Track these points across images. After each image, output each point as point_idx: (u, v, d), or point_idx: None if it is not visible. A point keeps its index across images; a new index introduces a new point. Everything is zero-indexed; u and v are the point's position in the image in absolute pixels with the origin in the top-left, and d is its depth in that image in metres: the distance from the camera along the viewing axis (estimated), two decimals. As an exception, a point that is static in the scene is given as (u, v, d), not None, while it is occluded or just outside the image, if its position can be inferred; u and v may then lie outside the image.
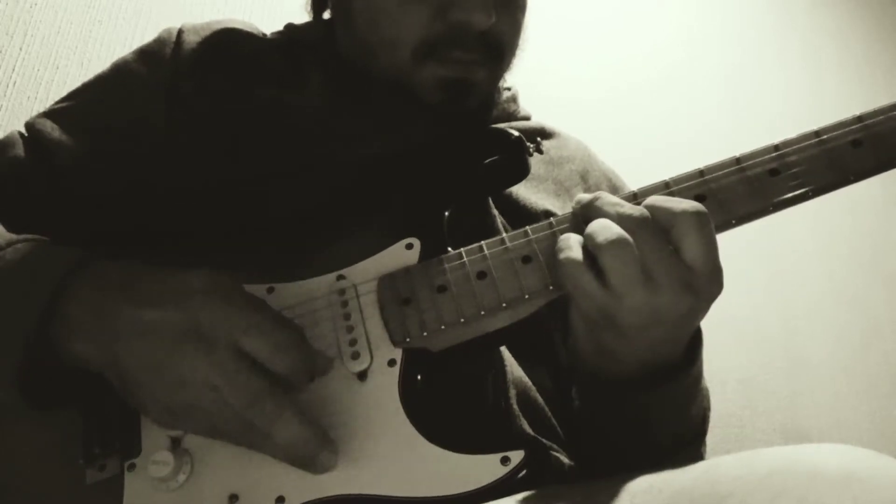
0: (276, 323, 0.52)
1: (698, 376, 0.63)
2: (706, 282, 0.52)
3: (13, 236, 0.59)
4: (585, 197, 0.57)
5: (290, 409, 0.50)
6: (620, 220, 0.52)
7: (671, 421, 0.63)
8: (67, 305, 0.53)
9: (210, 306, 0.50)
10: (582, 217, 0.56)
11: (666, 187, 0.58)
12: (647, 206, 0.53)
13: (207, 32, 0.76)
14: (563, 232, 0.56)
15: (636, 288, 0.51)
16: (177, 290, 0.52)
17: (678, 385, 0.59)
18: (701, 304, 0.53)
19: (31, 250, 0.57)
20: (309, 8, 0.86)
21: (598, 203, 0.55)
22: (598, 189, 0.85)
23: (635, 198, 0.57)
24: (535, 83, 0.97)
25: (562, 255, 0.54)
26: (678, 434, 0.64)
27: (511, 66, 0.78)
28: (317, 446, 0.50)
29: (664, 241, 0.52)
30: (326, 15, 0.85)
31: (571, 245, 0.54)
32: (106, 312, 0.52)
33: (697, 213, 0.51)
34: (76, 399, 0.57)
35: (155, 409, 0.52)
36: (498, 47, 0.73)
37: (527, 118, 0.88)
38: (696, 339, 0.60)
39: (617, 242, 0.51)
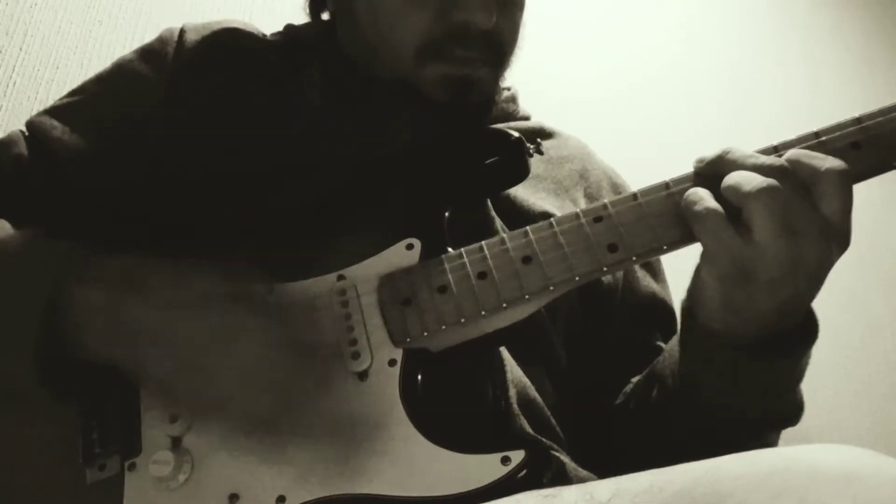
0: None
1: (808, 361, 0.62)
2: (843, 234, 0.52)
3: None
4: (710, 154, 0.56)
5: None
6: (761, 170, 0.52)
7: (782, 394, 0.62)
8: (72, 295, 0.53)
9: (233, 314, 0.52)
10: (710, 174, 0.55)
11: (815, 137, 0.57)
12: (788, 160, 0.53)
13: (208, 32, 0.76)
14: (644, 206, 0.56)
15: (781, 238, 0.50)
16: (193, 293, 0.53)
17: (796, 359, 0.59)
18: (833, 255, 0.53)
19: (29, 238, 0.58)
20: (307, 9, 0.86)
21: (730, 156, 0.55)
22: (599, 188, 0.85)
23: (776, 150, 0.57)
24: (535, 83, 0.97)
25: (698, 208, 0.53)
26: (774, 412, 0.64)
27: (510, 64, 0.78)
28: None
29: (806, 192, 0.52)
30: (325, 16, 0.85)
31: (705, 197, 0.53)
32: (119, 312, 0.52)
33: (842, 171, 0.52)
34: (85, 388, 0.57)
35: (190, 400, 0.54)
36: (499, 46, 0.74)
37: (526, 118, 0.87)
38: (808, 320, 0.60)
39: (767, 190, 0.50)
